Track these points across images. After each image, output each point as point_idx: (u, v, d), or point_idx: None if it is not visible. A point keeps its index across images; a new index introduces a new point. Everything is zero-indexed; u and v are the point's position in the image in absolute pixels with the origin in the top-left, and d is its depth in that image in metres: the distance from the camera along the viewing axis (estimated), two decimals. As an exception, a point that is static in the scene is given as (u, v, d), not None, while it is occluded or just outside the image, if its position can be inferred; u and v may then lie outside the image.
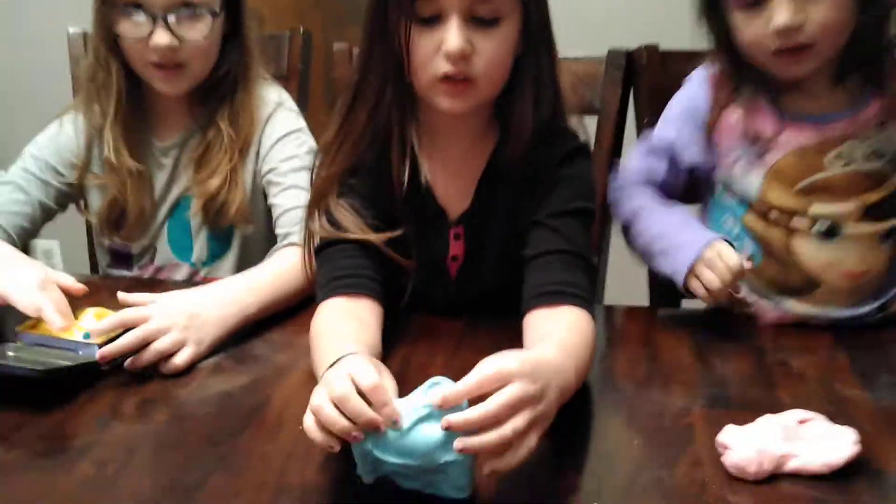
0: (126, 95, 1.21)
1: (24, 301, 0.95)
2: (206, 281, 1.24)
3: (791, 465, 0.74)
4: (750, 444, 0.74)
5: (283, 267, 1.11)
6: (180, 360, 0.95)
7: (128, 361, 0.93)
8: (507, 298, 0.99)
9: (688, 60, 1.32)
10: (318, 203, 1.03)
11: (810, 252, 1.03)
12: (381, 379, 0.70)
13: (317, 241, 1.02)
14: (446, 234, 1.06)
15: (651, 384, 0.92)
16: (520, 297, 0.95)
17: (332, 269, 0.99)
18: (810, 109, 1.02)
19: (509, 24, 0.94)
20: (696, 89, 1.12)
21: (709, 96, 1.09)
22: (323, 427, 0.69)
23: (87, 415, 0.86)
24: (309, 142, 1.26)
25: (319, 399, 0.70)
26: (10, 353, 0.92)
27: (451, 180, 1.04)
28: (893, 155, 1.01)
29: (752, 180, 1.06)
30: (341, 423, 0.67)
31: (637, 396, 0.90)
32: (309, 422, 0.71)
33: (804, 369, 0.94)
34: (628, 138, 1.36)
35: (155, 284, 1.21)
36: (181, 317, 0.97)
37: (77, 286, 1.01)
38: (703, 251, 1.00)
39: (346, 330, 0.90)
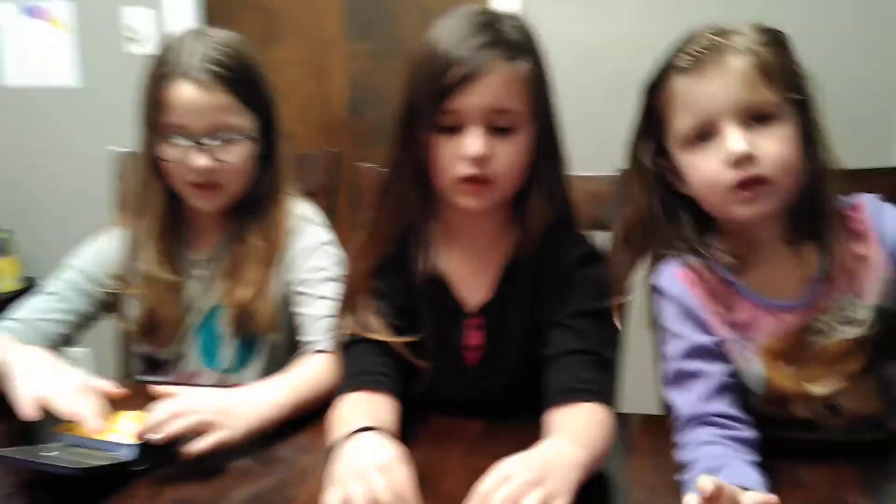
0: (165, 212, 1.30)
1: (65, 406, 1.01)
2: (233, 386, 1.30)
3: None
4: None
5: (315, 370, 1.17)
6: (212, 439, 0.99)
7: (162, 432, 0.97)
8: (525, 398, 1.05)
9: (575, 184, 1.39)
10: (347, 300, 1.12)
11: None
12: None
13: (344, 337, 1.10)
14: (462, 325, 1.12)
15: (659, 492, 0.95)
16: (536, 396, 1.01)
17: (355, 365, 1.08)
18: (776, 294, 1.00)
19: (523, 134, 1.05)
20: (675, 291, 1.02)
21: (689, 291, 1.02)
22: None
23: (121, 513, 0.90)
24: (337, 253, 1.33)
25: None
26: (52, 454, 0.97)
27: (469, 274, 1.13)
28: (866, 320, 0.98)
29: (752, 366, 1.01)
30: None
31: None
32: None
33: (813, 478, 0.96)
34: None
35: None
36: (216, 404, 1.03)
37: (117, 390, 1.08)
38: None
39: (363, 413, 0.99)
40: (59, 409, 1.01)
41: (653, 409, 1.34)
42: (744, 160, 0.92)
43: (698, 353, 1.00)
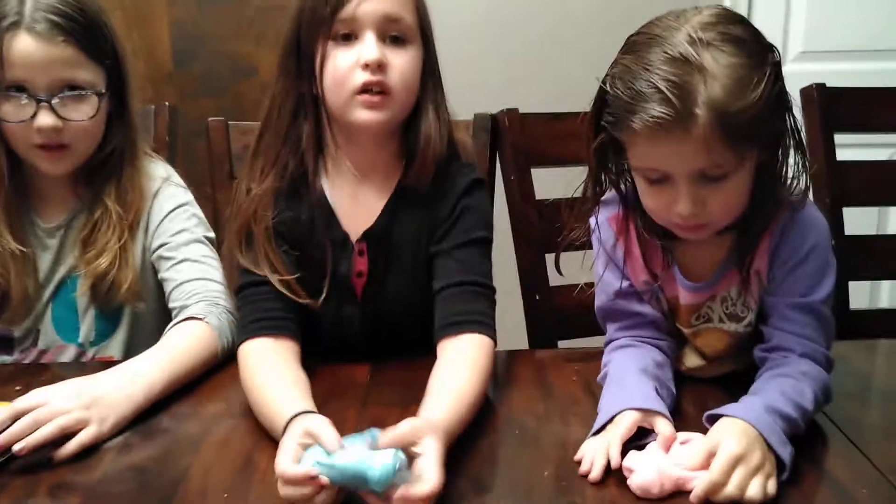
0: (8, 177, 1.18)
1: None
2: (95, 361, 1.21)
3: (691, 485, 0.82)
4: (652, 466, 0.83)
5: (187, 340, 1.11)
6: (81, 439, 0.92)
7: (21, 443, 0.89)
8: (412, 333, 1.11)
9: (545, 122, 1.46)
10: (239, 233, 1.11)
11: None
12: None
13: (239, 276, 1.11)
14: (350, 252, 1.13)
15: (550, 419, 1.00)
16: (422, 328, 1.10)
17: (254, 310, 1.08)
18: (685, 270, 1.03)
19: (415, 48, 1.09)
20: (604, 235, 1.06)
21: (616, 237, 1.05)
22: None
23: (-4, 506, 0.83)
24: (198, 213, 1.27)
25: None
26: None
27: (358, 204, 1.14)
28: (749, 321, 1.03)
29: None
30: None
31: (540, 432, 0.97)
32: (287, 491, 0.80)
33: (684, 394, 1.04)
34: (497, 193, 1.45)
35: (40, 370, 1.17)
36: (80, 398, 0.95)
37: None
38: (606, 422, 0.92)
39: (283, 378, 0.99)
40: None
41: (522, 345, 1.40)
42: (690, 217, 0.91)
43: (621, 295, 1.05)
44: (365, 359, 1.16)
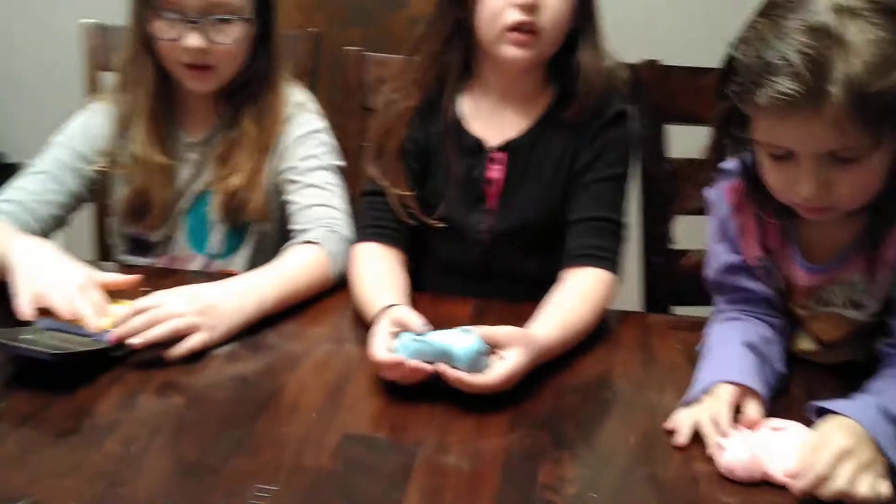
0: (156, 90, 1.24)
1: (63, 305, 0.98)
2: (219, 272, 1.28)
3: (780, 478, 0.78)
4: (745, 448, 0.79)
5: (301, 262, 1.15)
6: (191, 343, 0.98)
7: (136, 337, 0.95)
8: (532, 259, 1.19)
9: (687, 77, 1.39)
10: (373, 142, 1.19)
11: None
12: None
13: (364, 182, 1.20)
14: (483, 159, 1.18)
15: (647, 385, 0.97)
16: (543, 254, 1.18)
17: (371, 216, 1.18)
18: (805, 249, 0.96)
19: None
20: (720, 207, 1.01)
21: (732, 210, 0.99)
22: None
23: (110, 397, 0.90)
24: (329, 141, 1.30)
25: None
26: (27, 337, 0.95)
27: (493, 121, 1.18)
28: (871, 310, 0.95)
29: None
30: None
31: (633, 397, 0.95)
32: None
33: (793, 377, 0.98)
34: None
35: (168, 274, 1.25)
36: (196, 303, 1.00)
37: (127, 279, 1.07)
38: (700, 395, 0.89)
39: (382, 278, 1.09)
40: (58, 307, 0.98)
41: (635, 305, 1.37)
42: (814, 199, 0.84)
43: (731, 270, 1.01)
44: (474, 293, 1.18)
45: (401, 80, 1.20)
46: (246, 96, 1.27)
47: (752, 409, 0.85)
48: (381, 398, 0.91)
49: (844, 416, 0.80)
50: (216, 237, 1.30)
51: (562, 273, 1.11)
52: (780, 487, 0.78)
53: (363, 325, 1.03)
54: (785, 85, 0.77)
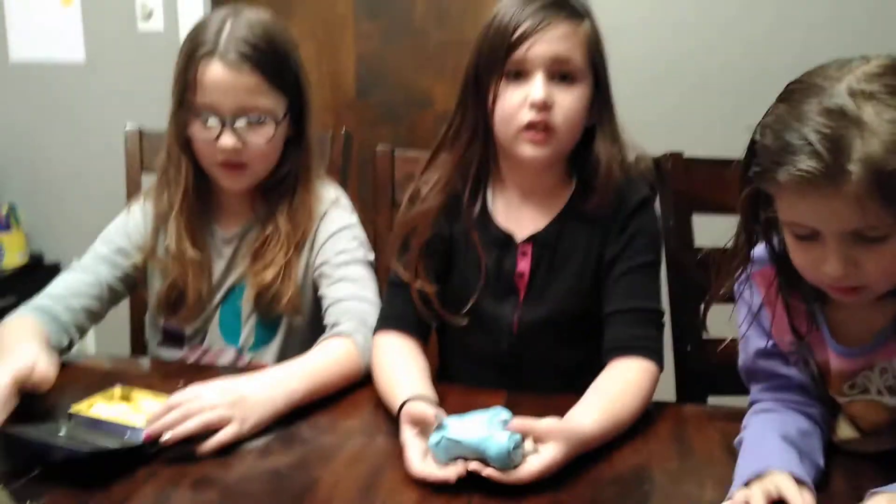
0: (193, 188, 1.29)
1: None
2: (250, 366, 1.30)
3: None
4: None
5: (331, 355, 1.16)
6: (222, 436, 0.98)
7: (169, 433, 0.96)
8: (565, 350, 1.20)
9: (709, 167, 1.41)
10: (398, 240, 1.22)
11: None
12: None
13: (391, 273, 1.22)
14: (513, 252, 1.20)
15: (684, 478, 0.95)
16: (575, 346, 1.19)
17: (392, 305, 1.21)
18: (837, 333, 0.96)
19: (583, 85, 1.14)
20: (749, 293, 1.01)
21: (762, 295, 1.00)
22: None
23: (146, 492, 0.90)
24: (360, 236, 1.34)
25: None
26: (62, 433, 0.97)
27: (520, 217, 1.21)
28: None
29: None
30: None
31: (671, 489, 0.93)
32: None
33: (830, 468, 0.96)
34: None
35: (202, 370, 1.26)
36: (227, 396, 1.02)
37: (45, 380, 1.08)
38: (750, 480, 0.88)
39: (405, 366, 1.12)
40: None
41: (669, 396, 1.35)
42: (842, 279, 0.85)
43: (763, 356, 1.01)
44: (506, 385, 1.17)
45: (426, 179, 1.23)
46: (280, 193, 1.31)
47: (806, 497, 0.83)
48: (416, 491, 0.91)
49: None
50: (247, 330, 1.32)
51: (607, 363, 1.11)
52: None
53: (394, 417, 1.03)
54: (805, 163, 0.79)
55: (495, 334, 1.21)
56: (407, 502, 0.89)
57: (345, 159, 1.58)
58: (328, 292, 1.27)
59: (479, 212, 1.20)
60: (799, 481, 0.85)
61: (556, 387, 1.12)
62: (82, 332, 1.27)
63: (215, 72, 1.20)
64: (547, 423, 0.92)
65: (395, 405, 1.02)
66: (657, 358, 1.12)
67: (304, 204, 1.30)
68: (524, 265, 1.19)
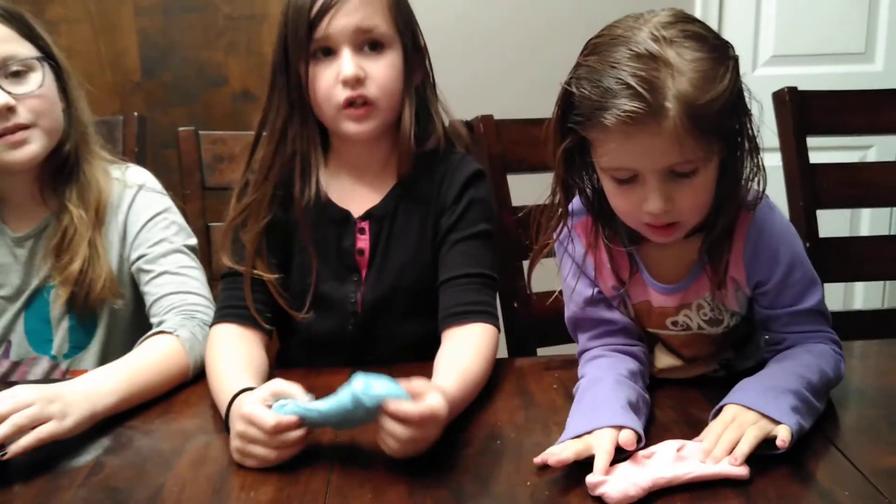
0: None
1: None
2: (67, 375, 1.19)
3: (659, 480, 0.83)
4: (623, 477, 0.82)
5: (154, 353, 1.09)
6: (40, 432, 0.89)
7: None
8: (409, 324, 1.19)
9: (520, 128, 1.45)
10: (226, 238, 1.16)
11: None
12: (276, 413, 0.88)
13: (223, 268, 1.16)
14: (352, 229, 1.17)
15: (531, 428, 0.99)
16: (420, 319, 1.17)
17: (229, 297, 1.14)
18: (655, 273, 1.03)
19: (393, 51, 1.12)
20: (573, 245, 1.05)
21: (583, 245, 1.05)
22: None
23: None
24: (177, 220, 1.26)
25: (239, 447, 0.89)
26: None
27: (355, 194, 1.18)
28: (727, 324, 1.03)
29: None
30: (270, 458, 0.88)
31: (521, 441, 0.96)
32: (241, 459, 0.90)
33: (662, 401, 1.03)
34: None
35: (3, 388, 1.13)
36: (43, 393, 0.92)
37: None
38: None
39: (238, 360, 1.05)
40: None
41: (502, 353, 1.39)
42: (660, 215, 0.91)
43: (590, 303, 1.05)
44: (352, 365, 1.14)
45: (246, 169, 1.17)
46: (66, 176, 1.20)
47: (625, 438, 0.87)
48: (271, 485, 0.87)
49: (730, 405, 0.90)
50: (60, 335, 1.21)
51: (444, 332, 1.11)
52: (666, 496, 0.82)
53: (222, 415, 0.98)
54: (628, 105, 0.84)
55: (340, 316, 1.18)
56: (263, 497, 0.85)
57: (140, 144, 1.48)
58: (150, 289, 1.19)
59: (314, 194, 1.15)
60: (624, 428, 0.89)
61: (401, 362, 1.11)
62: None
63: None
64: (420, 381, 0.88)
65: (227, 395, 0.96)
66: (495, 321, 1.13)
67: (90, 181, 1.20)
68: (363, 242, 1.17)
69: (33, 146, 1.15)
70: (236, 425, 0.90)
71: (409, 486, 0.86)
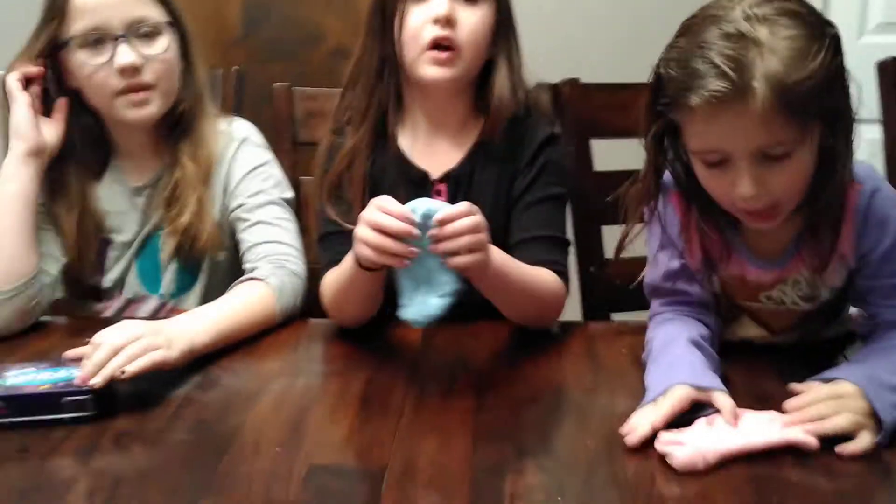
0: (93, 142, 1.27)
1: None
2: (172, 312, 1.28)
3: (727, 452, 0.83)
4: (688, 446, 0.83)
5: (245, 299, 1.15)
6: (156, 356, 0.97)
7: (102, 372, 0.93)
8: None
9: (606, 93, 1.45)
10: (331, 186, 1.19)
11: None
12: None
13: (322, 226, 1.19)
14: (430, 191, 1.19)
15: (598, 391, 1.00)
16: None
17: (337, 252, 1.12)
18: (753, 248, 1.01)
19: (487, 5, 1.14)
20: (669, 217, 1.04)
21: (677, 217, 1.04)
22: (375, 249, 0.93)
23: (66, 452, 0.88)
24: (275, 174, 1.31)
25: (364, 231, 0.94)
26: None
27: (433, 154, 1.21)
28: (822, 299, 1.03)
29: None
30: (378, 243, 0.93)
31: (586, 403, 0.98)
32: (364, 251, 0.95)
33: (730, 374, 1.02)
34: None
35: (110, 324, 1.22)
36: (150, 327, 1.01)
37: None
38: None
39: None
40: None
41: (576, 316, 1.40)
42: (753, 199, 0.89)
43: (673, 275, 1.06)
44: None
45: (339, 120, 1.21)
46: (180, 133, 1.27)
47: (723, 399, 0.88)
48: (344, 426, 0.92)
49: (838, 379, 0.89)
50: (168, 277, 1.29)
51: None
52: (737, 475, 0.82)
53: (316, 358, 1.07)
54: (714, 84, 0.83)
55: None
56: (336, 437, 0.91)
57: (237, 98, 1.54)
58: (245, 236, 1.25)
59: (395, 150, 1.19)
60: (706, 388, 0.90)
61: (474, 320, 1.13)
62: None
63: None
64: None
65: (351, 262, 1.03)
66: (565, 279, 1.14)
67: (204, 140, 1.27)
68: None
69: (152, 107, 1.22)
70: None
71: (473, 436, 0.89)
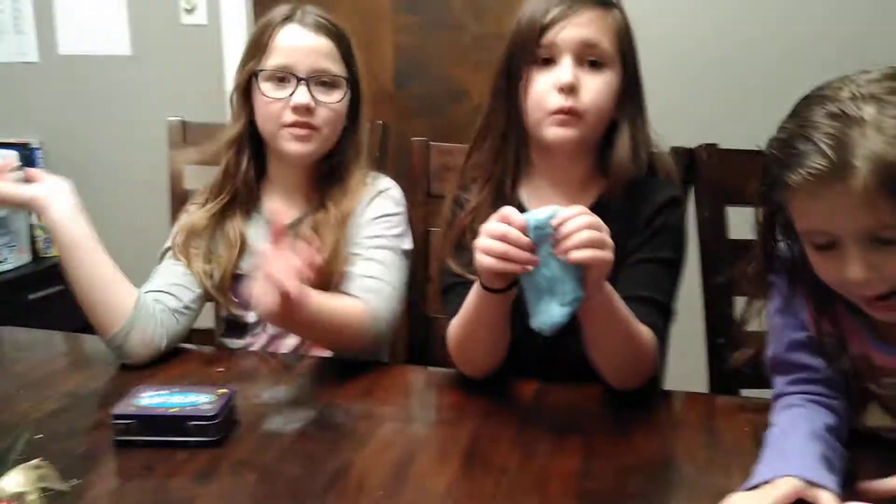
0: (252, 177, 1.37)
1: None
2: (313, 351, 1.34)
3: None
4: None
5: (345, 304, 1.23)
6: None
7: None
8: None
9: (745, 158, 1.40)
10: (454, 240, 1.22)
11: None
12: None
13: (445, 278, 1.22)
14: None
15: (711, 468, 0.96)
16: None
17: (459, 304, 1.13)
18: (881, 333, 0.96)
19: (611, 72, 1.16)
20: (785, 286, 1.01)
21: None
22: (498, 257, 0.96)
23: (187, 473, 0.94)
24: (400, 226, 1.37)
25: (486, 241, 0.97)
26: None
27: None
28: None
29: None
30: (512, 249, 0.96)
31: (698, 479, 0.94)
32: (486, 260, 0.98)
33: (860, 468, 0.95)
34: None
35: (246, 355, 1.33)
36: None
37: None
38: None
39: None
40: None
41: (699, 387, 1.35)
42: (867, 283, 0.85)
43: (795, 346, 1.01)
44: (543, 373, 1.18)
45: (465, 176, 1.25)
46: (331, 182, 1.37)
47: (829, 501, 0.83)
48: (446, 476, 0.93)
49: None
50: None
51: None
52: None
53: (429, 405, 1.08)
54: (812, 162, 0.82)
55: (533, 331, 1.20)
56: (438, 485, 0.91)
57: (382, 151, 1.61)
58: (352, 269, 1.31)
59: (517, 205, 1.19)
60: (816, 484, 0.84)
61: (582, 378, 1.12)
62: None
63: (293, 32, 1.31)
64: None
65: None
66: (662, 344, 1.12)
67: (351, 190, 1.35)
68: None
69: (312, 145, 1.33)
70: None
71: (576, 499, 0.87)
